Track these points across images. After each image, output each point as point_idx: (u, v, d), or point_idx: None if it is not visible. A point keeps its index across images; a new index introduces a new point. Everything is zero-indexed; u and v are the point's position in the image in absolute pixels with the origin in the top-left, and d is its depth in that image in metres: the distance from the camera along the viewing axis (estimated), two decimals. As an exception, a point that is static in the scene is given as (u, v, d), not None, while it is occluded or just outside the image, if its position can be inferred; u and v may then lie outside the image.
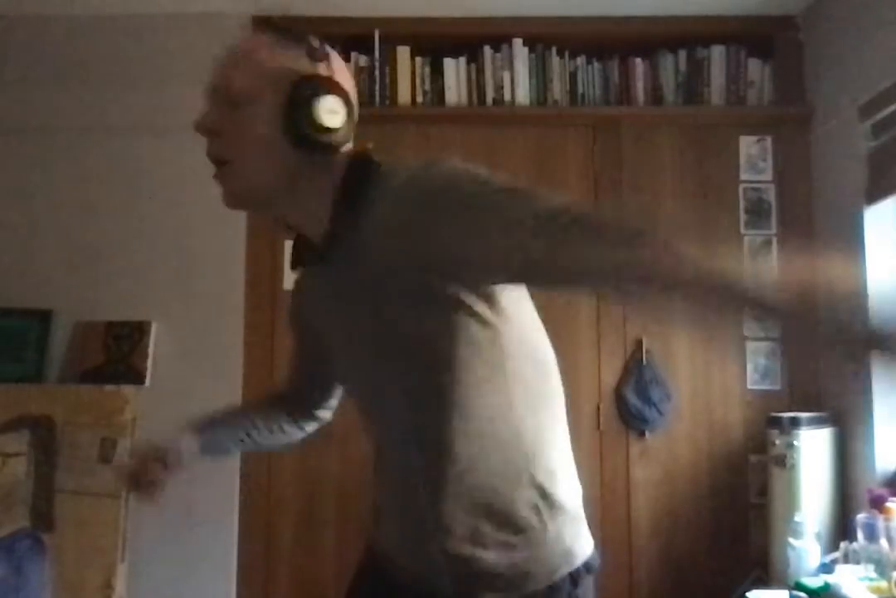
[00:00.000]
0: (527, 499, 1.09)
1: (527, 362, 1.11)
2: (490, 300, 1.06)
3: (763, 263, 1.15)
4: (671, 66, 2.89)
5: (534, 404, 1.11)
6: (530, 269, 0.97)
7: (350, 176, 1.10)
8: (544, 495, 1.10)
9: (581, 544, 1.15)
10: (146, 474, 1.25)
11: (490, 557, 1.09)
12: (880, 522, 2.14)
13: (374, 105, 2.84)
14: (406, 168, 1.08)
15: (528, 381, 1.11)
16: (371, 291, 1.08)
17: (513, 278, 1.04)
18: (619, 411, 2.71)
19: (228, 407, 1.50)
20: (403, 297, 1.06)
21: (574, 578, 1.11)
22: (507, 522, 1.09)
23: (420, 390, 1.09)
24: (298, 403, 1.44)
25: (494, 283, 1.06)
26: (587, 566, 1.14)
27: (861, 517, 2.19)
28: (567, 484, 1.15)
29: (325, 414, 1.47)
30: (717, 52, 2.87)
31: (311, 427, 1.48)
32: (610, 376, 2.72)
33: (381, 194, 1.07)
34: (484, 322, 1.05)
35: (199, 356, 2.70)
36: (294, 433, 1.46)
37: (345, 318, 1.16)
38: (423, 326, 1.06)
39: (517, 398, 1.09)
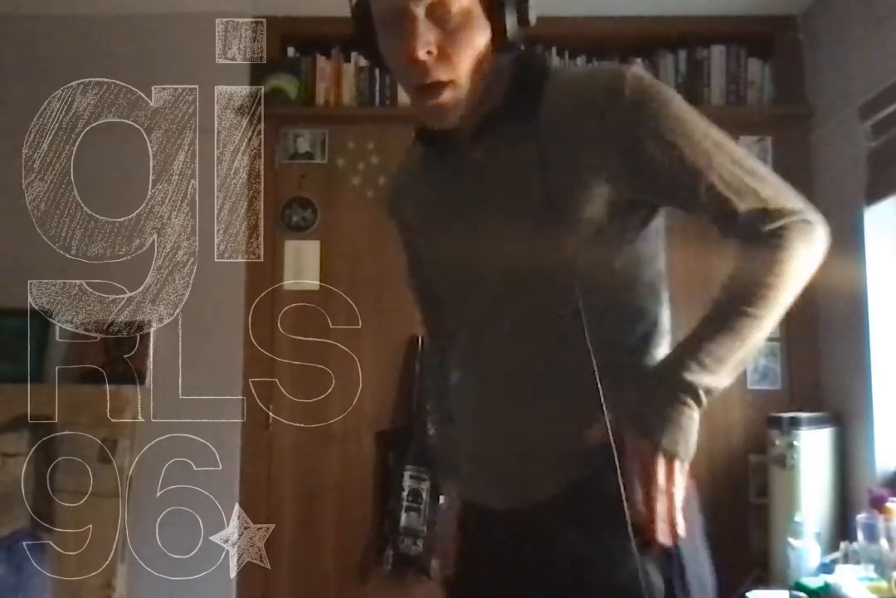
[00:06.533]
0: None
1: None
2: None
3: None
4: (671, 66, 2.89)
5: None
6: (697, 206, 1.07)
7: (522, 67, 1.09)
8: None
9: None
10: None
11: None
12: (880, 522, 2.14)
13: (374, 105, 2.84)
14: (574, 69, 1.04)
15: None
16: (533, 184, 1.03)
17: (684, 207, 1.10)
18: (619, 411, 2.70)
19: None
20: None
21: None
22: None
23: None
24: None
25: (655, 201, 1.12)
26: None
27: (861, 517, 2.19)
28: None
29: None
30: (717, 52, 2.87)
31: None
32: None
33: (554, 86, 1.06)
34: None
35: (199, 356, 2.70)
36: None
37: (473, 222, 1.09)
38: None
39: None
